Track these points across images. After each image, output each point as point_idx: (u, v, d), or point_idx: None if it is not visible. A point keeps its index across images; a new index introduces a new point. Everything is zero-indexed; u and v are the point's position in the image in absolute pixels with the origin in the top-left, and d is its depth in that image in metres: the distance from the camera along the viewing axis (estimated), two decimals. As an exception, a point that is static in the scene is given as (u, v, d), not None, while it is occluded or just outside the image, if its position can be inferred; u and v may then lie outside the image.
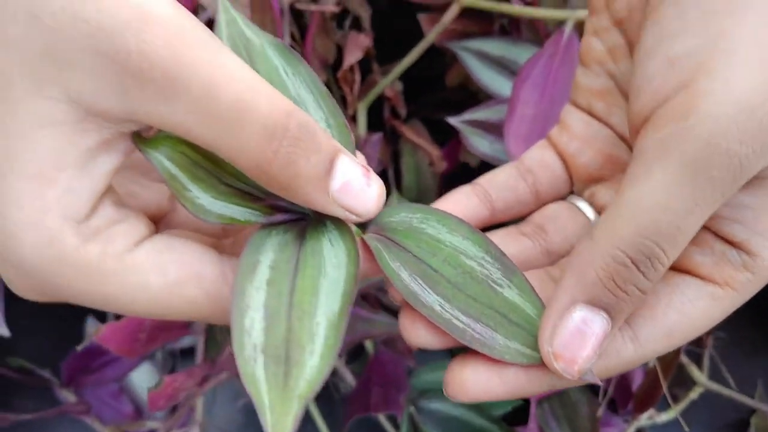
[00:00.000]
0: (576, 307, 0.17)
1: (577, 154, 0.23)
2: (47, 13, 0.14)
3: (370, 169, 0.18)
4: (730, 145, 0.15)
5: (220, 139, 0.16)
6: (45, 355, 0.44)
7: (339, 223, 0.19)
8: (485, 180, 0.23)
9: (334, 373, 0.40)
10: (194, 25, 0.16)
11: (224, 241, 0.21)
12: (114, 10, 0.14)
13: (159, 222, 0.21)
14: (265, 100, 0.16)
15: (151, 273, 0.17)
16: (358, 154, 0.21)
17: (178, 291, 0.17)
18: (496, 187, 0.23)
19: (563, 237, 0.22)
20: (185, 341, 0.43)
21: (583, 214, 0.23)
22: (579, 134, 0.23)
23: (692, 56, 0.16)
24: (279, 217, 0.19)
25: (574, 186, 0.23)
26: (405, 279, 0.18)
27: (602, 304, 0.17)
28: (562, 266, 0.22)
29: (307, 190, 0.17)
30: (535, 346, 0.18)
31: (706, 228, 0.18)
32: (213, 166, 0.18)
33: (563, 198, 0.24)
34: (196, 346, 0.40)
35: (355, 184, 0.17)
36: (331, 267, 0.18)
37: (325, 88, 0.20)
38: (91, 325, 0.44)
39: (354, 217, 0.18)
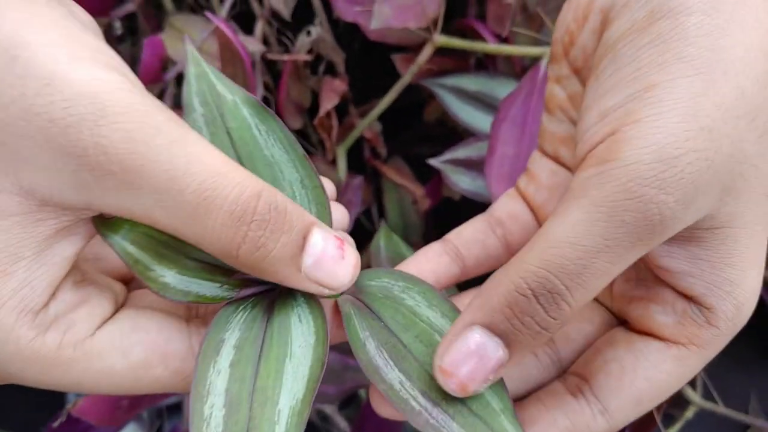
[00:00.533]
0: (473, 329, 0.17)
1: (545, 204, 0.23)
2: None
3: (345, 240, 0.18)
4: (646, 191, 0.15)
5: (186, 227, 0.15)
6: (25, 421, 0.42)
7: (309, 296, 0.18)
8: (454, 235, 0.23)
9: (327, 420, 0.39)
10: (154, 111, 0.15)
11: None
12: (67, 102, 0.14)
13: (129, 282, 0.21)
14: (231, 184, 0.15)
15: (114, 357, 0.16)
16: (339, 207, 0.21)
17: (143, 372, 0.17)
18: (465, 243, 0.22)
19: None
20: (171, 398, 0.42)
21: None
22: (546, 184, 0.23)
23: (622, 107, 0.16)
24: (247, 291, 0.18)
25: None
26: (370, 351, 0.18)
27: (499, 331, 0.16)
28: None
29: (277, 270, 0.17)
30: None
31: (666, 285, 0.18)
32: (178, 243, 0.18)
33: None
34: (183, 402, 0.39)
35: (328, 259, 0.17)
36: (298, 347, 0.17)
37: (300, 148, 0.20)
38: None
39: (327, 291, 0.18)
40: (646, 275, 0.20)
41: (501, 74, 0.38)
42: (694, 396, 0.42)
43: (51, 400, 0.43)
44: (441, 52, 0.36)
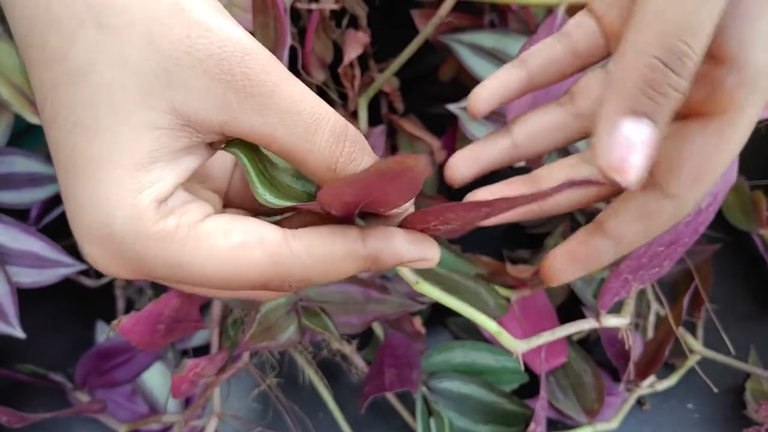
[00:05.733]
0: (622, 121, 0.18)
1: (608, 12, 0.24)
2: (165, 41, 0.18)
3: None
4: None
5: (300, 142, 0.19)
6: (56, 360, 0.44)
7: None
8: (524, 52, 0.26)
9: (346, 360, 0.41)
10: (272, 56, 0.19)
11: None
12: (222, 42, 0.18)
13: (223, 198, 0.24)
14: (330, 111, 0.20)
15: (219, 237, 0.19)
16: None
17: (243, 253, 0.19)
18: (532, 53, 0.25)
19: (591, 101, 0.25)
20: (197, 339, 0.44)
21: None
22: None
23: None
24: None
25: (610, 48, 0.24)
26: None
27: (644, 112, 0.18)
28: None
29: None
30: None
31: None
32: (270, 174, 0.21)
33: (600, 59, 0.25)
34: (210, 343, 0.41)
35: None
36: None
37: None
38: (101, 330, 0.45)
39: None
40: None
41: (514, 31, 0.40)
42: (696, 344, 0.44)
43: (79, 343, 0.45)
44: (457, 8, 0.38)
